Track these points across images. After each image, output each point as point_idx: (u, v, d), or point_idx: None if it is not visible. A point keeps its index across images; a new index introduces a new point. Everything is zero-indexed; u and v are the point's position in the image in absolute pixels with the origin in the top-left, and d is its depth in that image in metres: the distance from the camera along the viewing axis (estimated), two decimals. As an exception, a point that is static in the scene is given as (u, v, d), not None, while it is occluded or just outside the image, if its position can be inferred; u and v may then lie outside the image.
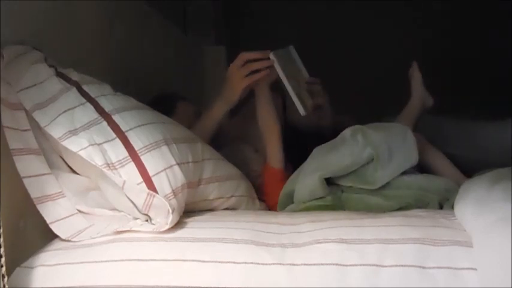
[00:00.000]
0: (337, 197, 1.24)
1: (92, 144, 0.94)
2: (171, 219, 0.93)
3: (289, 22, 2.65)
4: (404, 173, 1.26)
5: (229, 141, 1.51)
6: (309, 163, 1.29)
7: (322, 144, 1.33)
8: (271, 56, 1.32)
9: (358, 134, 1.26)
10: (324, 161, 1.26)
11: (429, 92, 1.54)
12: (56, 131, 0.95)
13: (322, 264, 0.84)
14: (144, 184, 0.95)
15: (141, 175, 0.95)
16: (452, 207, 1.03)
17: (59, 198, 1.00)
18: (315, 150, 1.32)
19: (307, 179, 1.24)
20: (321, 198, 1.24)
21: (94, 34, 1.36)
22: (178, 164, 1.00)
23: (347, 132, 1.30)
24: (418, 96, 1.52)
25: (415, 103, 1.52)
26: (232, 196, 1.22)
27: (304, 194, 1.24)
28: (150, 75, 1.73)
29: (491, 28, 2.51)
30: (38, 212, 0.96)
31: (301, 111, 1.34)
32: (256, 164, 1.43)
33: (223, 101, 1.38)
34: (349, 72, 2.51)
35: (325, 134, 1.39)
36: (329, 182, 1.26)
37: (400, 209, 1.18)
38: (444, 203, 1.21)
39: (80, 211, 1.02)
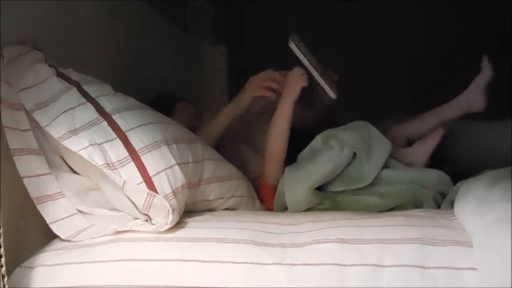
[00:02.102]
0: (333, 200, 1.24)
1: (92, 144, 0.94)
2: (171, 219, 0.93)
3: (290, 22, 2.65)
4: (395, 168, 1.26)
5: (229, 142, 1.51)
6: (294, 170, 1.29)
7: (304, 150, 1.33)
8: (290, 43, 1.26)
9: (331, 139, 1.27)
10: (306, 171, 1.25)
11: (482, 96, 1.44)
12: (56, 131, 0.95)
13: (322, 264, 0.84)
14: (144, 184, 0.95)
15: (142, 175, 0.95)
16: (452, 207, 1.04)
17: (59, 198, 1.00)
18: (299, 157, 1.33)
19: (296, 190, 1.23)
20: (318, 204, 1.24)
21: (94, 34, 1.36)
22: (178, 164, 1.00)
23: (318, 139, 1.30)
24: (467, 96, 1.44)
25: (460, 101, 1.45)
26: (232, 196, 1.22)
27: (298, 204, 1.23)
28: (150, 75, 1.73)
29: (491, 28, 2.51)
30: (38, 212, 0.96)
31: (332, 94, 1.29)
32: (256, 165, 1.43)
33: (233, 105, 1.42)
34: (349, 72, 2.50)
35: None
36: (323, 188, 1.26)
37: (398, 207, 1.18)
38: (438, 198, 1.21)
39: (80, 211, 1.02)
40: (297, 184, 1.23)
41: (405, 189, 1.21)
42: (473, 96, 1.44)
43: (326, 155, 1.25)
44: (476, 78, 1.44)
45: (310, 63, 1.28)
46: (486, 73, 1.43)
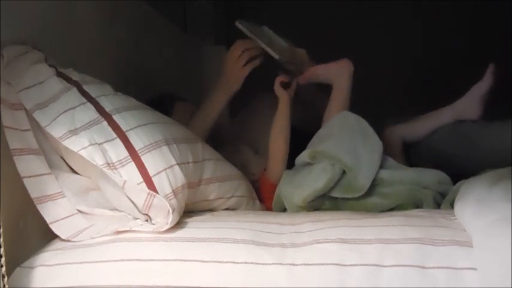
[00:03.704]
0: (333, 203, 1.23)
1: (93, 144, 0.94)
2: (171, 219, 0.93)
3: (290, 22, 2.65)
4: (394, 168, 1.26)
5: (230, 142, 1.51)
6: (292, 175, 1.28)
7: (298, 157, 1.30)
8: (237, 23, 1.33)
9: (316, 158, 1.23)
10: (300, 184, 1.23)
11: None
12: (56, 131, 0.95)
13: (322, 264, 0.84)
14: (144, 184, 0.95)
15: (142, 175, 0.95)
16: (452, 206, 1.04)
17: (59, 198, 1.00)
18: (296, 161, 1.31)
19: (293, 200, 1.21)
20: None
21: (94, 34, 1.36)
22: (178, 164, 1.00)
23: (303, 158, 1.27)
24: (462, 104, 1.44)
25: (455, 108, 1.45)
26: (232, 196, 1.21)
27: (297, 211, 1.22)
28: (150, 75, 1.73)
29: (492, 28, 2.51)
30: (38, 212, 0.96)
31: (274, 55, 1.34)
32: (255, 166, 1.42)
33: (223, 91, 1.39)
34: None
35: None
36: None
37: (398, 207, 1.18)
38: (438, 198, 1.20)
39: (79, 211, 1.02)
40: (292, 195, 1.22)
41: (405, 189, 1.20)
42: (469, 105, 1.44)
43: (319, 169, 1.21)
44: (474, 86, 1.44)
45: (254, 35, 1.34)
46: (486, 82, 1.42)
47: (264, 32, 1.44)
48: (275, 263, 0.85)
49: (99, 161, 0.93)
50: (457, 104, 1.47)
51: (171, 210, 0.93)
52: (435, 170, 1.27)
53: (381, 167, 1.24)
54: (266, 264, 0.85)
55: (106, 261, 0.88)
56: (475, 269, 0.80)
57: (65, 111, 0.97)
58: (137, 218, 0.99)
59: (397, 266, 0.82)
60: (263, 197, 1.37)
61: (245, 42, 1.38)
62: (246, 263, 0.86)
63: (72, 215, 1.00)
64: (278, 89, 1.38)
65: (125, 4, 1.56)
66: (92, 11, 1.35)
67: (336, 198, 1.23)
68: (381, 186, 1.21)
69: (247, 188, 1.29)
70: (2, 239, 0.80)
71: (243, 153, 1.46)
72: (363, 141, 1.26)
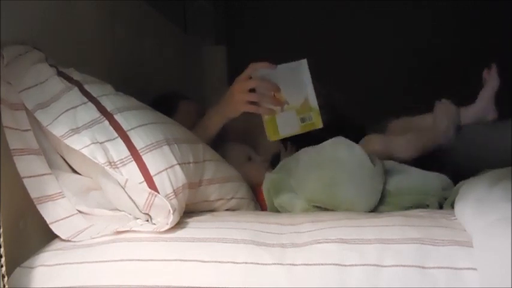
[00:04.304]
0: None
1: (94, 143, 0.94)
2: (171, 219, 0.93)
3: (290, 22, 2.65)
4: (398, 172, 1.25)
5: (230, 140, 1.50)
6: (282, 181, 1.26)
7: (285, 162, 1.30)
8: (304, 65, 1.22)
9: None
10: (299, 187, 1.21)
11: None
12: (58, 130, 0.95)
13: (322, 264, 0.84)
14: (145, 183, 0.95)
15: (143, 174, 0.95)
16: (452, 207, 1.03)
17: (59, 199, 1.00)
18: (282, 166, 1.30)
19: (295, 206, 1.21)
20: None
21: (94, 34, 1.36)
22: (179, 164, 1.00)
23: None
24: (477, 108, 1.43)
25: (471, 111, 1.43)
26: (232, 198, 1.21)
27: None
28: (150, 75, 1.73)
29: (491, 28, 2.51)
30: (38, 212, 0.96)
31: (268, 137, 1.25)
32: (250, 168, 1.40)
33: (220, 115, 1.31)
34: (348, 71, 2.51)
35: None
36: None
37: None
38: (443, 202, 1.20)
39: (79, 211, 1.02)
40: (291, 201, 1.21)
41: (410, 198, 1.18)
42: (485, 108, 1.45)
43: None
44: (483, 89, 1.45)
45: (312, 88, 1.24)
46: (494, 82, 1.45)
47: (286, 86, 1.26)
48: (275, 263, 0.85)
49: (101, 159, 0.93)
50: (472, 108, 1.46)
51: (171, 210, 0.93)
52: (438, 173, 1.25)
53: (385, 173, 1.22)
54: (266, 264, 0.85)
55: (106, 261, 0.88)
56: (475, 269, 0.80)
57: (66, 111, 0.97)
58: (137, 218, 0.99)
59: (397, 266, 0.82)
60: (262, 202, 1.35)
61: (262, 82, 1.22)
62: (246, 263, 0.86)
63: (72, 215, 1.00)
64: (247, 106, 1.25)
65: (124, 4, 1.56)
66: (92, 11, 1.35)
67: None
68: (387, 196, 1.19)
69: (248, 190, 1.29)
70: (2, 239, 0.80)
71: (238, 154, 1.44)
72: (359, 174, 1.18)
